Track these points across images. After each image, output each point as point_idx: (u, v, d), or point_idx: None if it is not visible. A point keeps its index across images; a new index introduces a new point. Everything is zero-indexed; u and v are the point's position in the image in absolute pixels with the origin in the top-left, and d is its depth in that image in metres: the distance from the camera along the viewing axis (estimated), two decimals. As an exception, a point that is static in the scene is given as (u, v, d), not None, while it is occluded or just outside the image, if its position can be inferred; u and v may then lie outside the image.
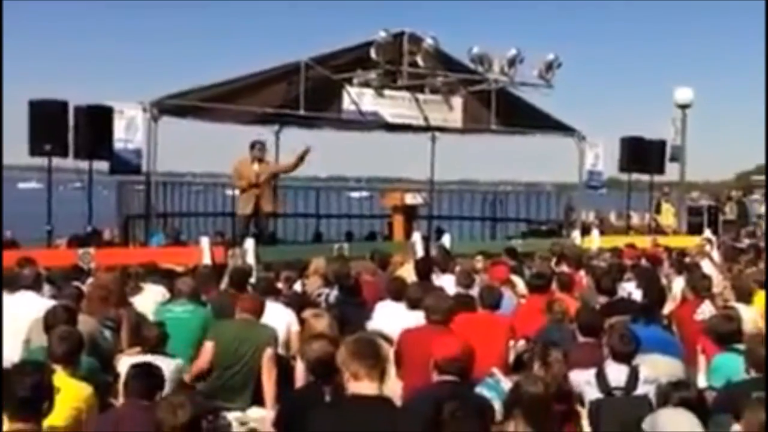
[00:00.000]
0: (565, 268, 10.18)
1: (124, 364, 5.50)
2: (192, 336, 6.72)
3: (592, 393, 5.21)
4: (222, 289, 8.60)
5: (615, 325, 6.12)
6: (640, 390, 5.24)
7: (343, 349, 4.16)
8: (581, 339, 6.20)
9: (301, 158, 12.89)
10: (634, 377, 5.27)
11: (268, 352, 6.21)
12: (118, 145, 12.31)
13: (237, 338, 6.29)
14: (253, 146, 12.65)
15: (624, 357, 5.39)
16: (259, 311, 6.54)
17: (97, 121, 12.01)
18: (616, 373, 5.29)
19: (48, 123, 11.43)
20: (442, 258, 10.85)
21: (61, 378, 4.43)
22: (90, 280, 8.31)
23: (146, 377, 4.67)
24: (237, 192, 13.49)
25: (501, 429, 4.28)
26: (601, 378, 5.26)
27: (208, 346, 6.34)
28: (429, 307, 6.34)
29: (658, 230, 18.05)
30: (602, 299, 7.94)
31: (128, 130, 12.43)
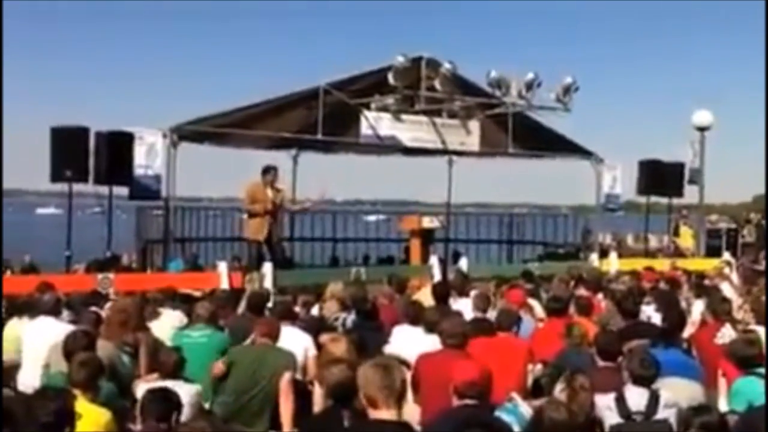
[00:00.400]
0: (583, 291, 10.12)
1: (141, 389, 5.51)
2: (209, 361, 6.72)
3: (612, 418, 5.16)
4: (239, 313, 8.62)
5: (635, 349, 6.06)
6: (661, 414, 5.18)
7: (361, 375, 4.15)
8: (600, 363, 6.16)
9: (305, 209, 13.78)
10: (654, 401, 5.22)
11: (286, 376, 6.20)
12: (138, 171, 12.42)
13: (255, 362, 6.30)
14: (267, 171, 12.53)
15: (644, 381, 5.34)
16: (276, 335, 6.56)
17: (118, 147, 12.14)
18: (637, 398, 5.24)
19: (69, 149, 11.59)
20: (459, 282, 10.82)
21: (81, 404, 4.45)
22: (108, 305, 8.35)
23: (162, 401, 4.68)
24: (245, 215, 13.15)
25: None
26: (621, 402, 5.21)
27: (221, 365, 6.36)
28: (445, 331, 6.32)
29: (677, 253, 17.94)
30: (624, 322, 7.89)
31: (148, 155, 12.54)
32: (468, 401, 4.80)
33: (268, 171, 12.60)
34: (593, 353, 6.31)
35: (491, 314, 8.13)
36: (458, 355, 5.98)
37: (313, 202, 13.56)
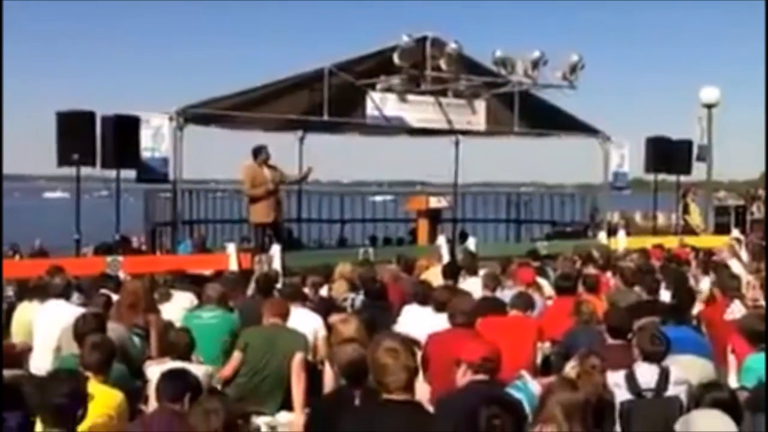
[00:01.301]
0: (591, 269, 10.12)
1: (153, 372, 5.54)
2: (220, 342, 6.77)
3: (622, 394, 5.17)
4: (249, 295, 8.65)
5: (645, 326, 6.07)
6: (671, 391, 5.19)
7: (371, 360, 4.14)
8: (610, 341, 6.16)
9: (304, 177, 13.79)
10: (664, 378, 5.23)
11: (298, 357, 6.22)
12: (145, 154, 12.41)
13: (267, 343, 6.33)
14: (259, 151, 12.41)
15: (654, 358, 5.34)
16: (286, 315, 6.58)
17: (124, 131, 12.11)
18: (647, 375, 5.25)
19: (75, 133, 11.57)
20: (468, 261, 10.83)
21: (93, 385, 4.47)
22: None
23: (177, 381, 4.69)
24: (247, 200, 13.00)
25: None
26: (631, 379, 5.22)
27: (237, 356, 6.36)
28: (453, 310, 6.34)
29: (687, 231, 17.89)
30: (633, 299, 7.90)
31: (155, 138, 12.52)
32: (479, 377, 4.82)
33: (260, 151, 12.45)
34: (602, 330, 6.32)
35: (500, 293, 8.16)
36: (467, 334, 6.00)
37: (301, 174, 13.71)
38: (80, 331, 5.78)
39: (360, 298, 8.49)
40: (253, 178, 12.30)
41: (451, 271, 9.18)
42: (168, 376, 4.76)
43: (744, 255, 12.62)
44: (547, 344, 7.02)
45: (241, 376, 6.31)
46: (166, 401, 4.57)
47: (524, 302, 7.18)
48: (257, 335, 6.49)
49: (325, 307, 7.84)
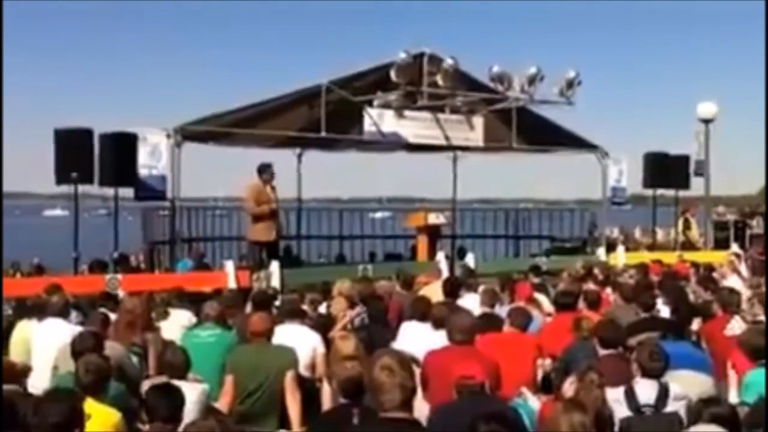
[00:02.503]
0: (591, 285, 10.10)
1: (149, 390, 5.50)
2: (218, 361, 6.71)
3: (621, 411, 5.14)
4: (247, 312, 8.61)
5: (644, 342, 6.04)
6: (670, 407, 5.17)
7: (369, 378, 4.12)
8: (602, 352, 6.16)
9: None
10: (664, 394, 5.20)
11: (289, 375, 6.15)
12: (142, 172, 12.41)
13: (253, 364, 6.22)
14: (265, 169, 12.42)
15: (653, 374, 5.32)
16: (269, 331, 6.44)
17: (122, 148, 12.13)
18: (646, 391, 5.23)
19: (73, 151, 11.58)
20: (466, 277, 10.82)
21: (90, 404, 4.45)
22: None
23: (168, 399, 4.68)
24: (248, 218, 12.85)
25: None
26: (631, 395, 5.20)
27: (229, 380, 6.26)
28: (452, 327, 6.31)
29: (687, 245, 17.87)
30: (632, 315, 7.89)
31: (152, 156, 12.53)
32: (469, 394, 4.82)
33: (265, 169, 12.44)
34: (594, 343, 6.31)
35: (498, 310, 8.14)
36: (465, 352, 5.97)
37: None
38: (77, 349, 5.75)
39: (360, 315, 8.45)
40: (258, 195, 12.26)
41: (451, 288, 9.15)
42: (159, 395, 4.73)
43: (744, 270, 12.60)
44: (548, 361, 6.99)
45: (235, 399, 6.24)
46: (159, 420, 4.55)
47: (519, 317, 7.14)
48: (243, 357, 6.40)
49: (324, 324, 7.82)
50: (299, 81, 14.01)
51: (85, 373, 5.01)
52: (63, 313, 7.44)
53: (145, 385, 5.99)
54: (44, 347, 6.88)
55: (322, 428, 4.79)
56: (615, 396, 5.19)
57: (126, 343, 6.65)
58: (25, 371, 6.93)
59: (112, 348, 6.22)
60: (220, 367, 6.63)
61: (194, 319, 7.90)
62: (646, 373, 5.34)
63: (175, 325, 7.74)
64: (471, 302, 8.68)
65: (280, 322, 7.17)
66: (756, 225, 21.30)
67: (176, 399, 4.71)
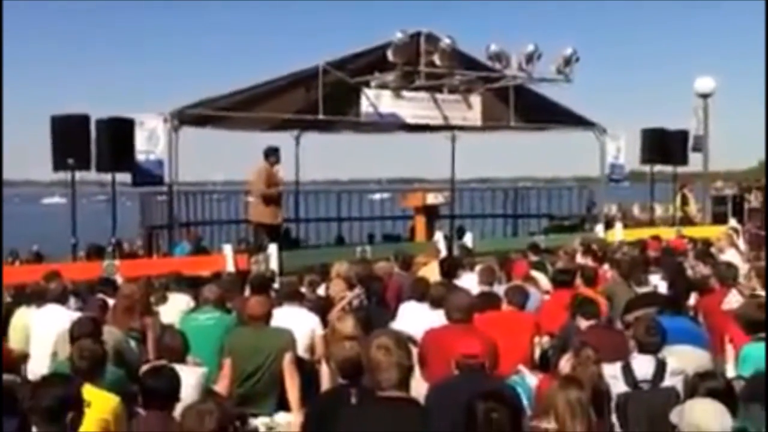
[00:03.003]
0: (589, 261, 10.12)
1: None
2: (217, 344, 6.70)
3: (618, 386, 5.17)
4: (246, 295, 8.62)
5: (641, 317, 6.06)
6: (667, 382, 5.19)
7: (366, 357, 4.13)
8: (583, 324, 6.28)
9: None
10: (661, 369, 5.22)
11: (288, 357, 6.14)
12: (140, 157, 12.40)
13: (251, 347, 6.21)
14: (272, 153, 12.59)
15: (650, 349, 5.34)
16: (267, 315, 6.44)
17: (119, 134, 12.10)
18: (643, 366, 5.25)
19: (70, 137, 11.55)
20: (464, 256, 10.82)
21: (88, 390, 4.46)
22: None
23: (164, 382, 4.70)
24: (251, 199, 13.14)
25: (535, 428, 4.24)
26: (628, 371, 5.22)
27: (228, 363, 6.27)
28: (450, 306, 6.33)
29: (685, 221, 17.88)
30: (628, 291, 7.93)
31: (149, 141, 12.52)
32: (468, 371, 4.83)
33: (272, 153, 12.62)
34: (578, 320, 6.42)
35: (496, 288, 8.16)
36: (463, 330, 5.99)
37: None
38: (76, 335, 5.78)
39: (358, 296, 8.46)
40: (268, 178, 12.48)
41: (449, 267, 9.16)
42: (155, 378, 4.75)
43: (741, 244, 12.61)
44: (546, 339, 7.01)
45: (234, 382, 6.26)
46: (156, 404, 4.57)
47: (517, 296, 7.15)
48: (241, 340, 6.39)
49: (323, 306, 7.82)
50: (296, 63, 14.00)
51: (80, 359, 5.02)
52: (61, 299, 7.46)
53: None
54: (43, 334, 6.90)
55: (320, 408, 4.79)
56: (612, 372, 5.21)
57: (124, 328, 6.67)
58: (21, 358, 6.97)
59: (111, 333, 6.25)
60: (219, 350, 6.65)
61: (193, 303, 7.90)
62: (643, 349, 5.36)
63: (174, 309, 7.75)
64: (469, 281, 8.70)
65: (279, 304, 7.18)
66: (754, 199, 21.32)
67: (172, 380, 4.72)
